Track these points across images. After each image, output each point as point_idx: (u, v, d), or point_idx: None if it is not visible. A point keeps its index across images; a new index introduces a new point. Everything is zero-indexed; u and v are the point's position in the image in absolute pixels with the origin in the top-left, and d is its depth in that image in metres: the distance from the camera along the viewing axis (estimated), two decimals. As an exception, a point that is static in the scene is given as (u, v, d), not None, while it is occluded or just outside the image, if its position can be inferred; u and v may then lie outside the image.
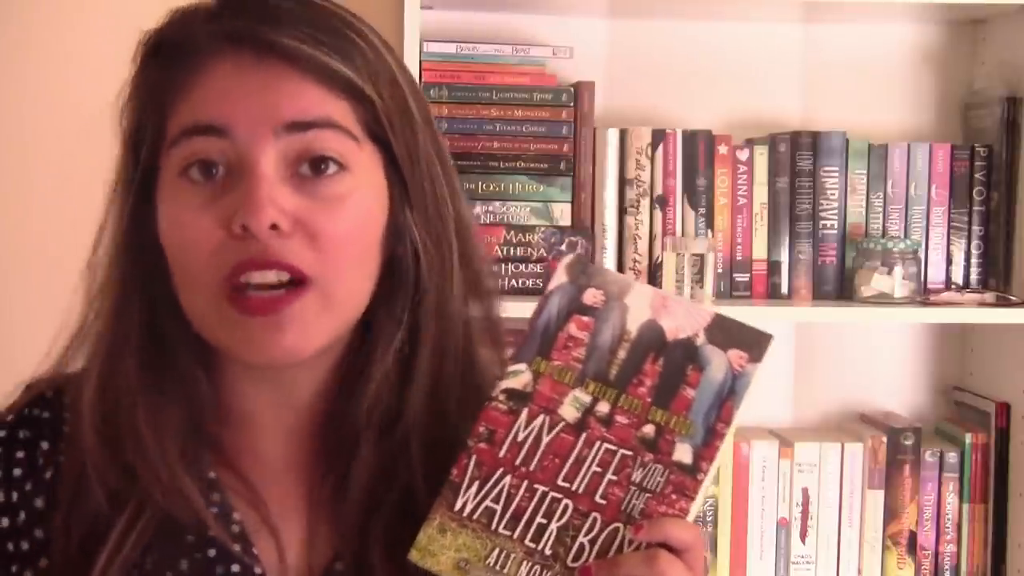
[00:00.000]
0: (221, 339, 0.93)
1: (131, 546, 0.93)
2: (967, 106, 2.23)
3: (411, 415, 0.97)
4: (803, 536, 2.09)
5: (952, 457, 2.11)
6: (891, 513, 2.09)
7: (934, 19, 2.23)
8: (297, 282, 0.91)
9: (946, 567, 2.12)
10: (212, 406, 0.98)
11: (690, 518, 0.90)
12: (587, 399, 0.93)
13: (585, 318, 0.95)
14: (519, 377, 0.94)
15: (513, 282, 1.99)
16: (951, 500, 2.11)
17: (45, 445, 0.99)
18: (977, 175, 2.12)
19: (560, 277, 0.96)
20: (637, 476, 0.91)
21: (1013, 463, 2.12)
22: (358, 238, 0.93)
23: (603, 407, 0.92)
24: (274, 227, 0.89)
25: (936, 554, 2.11)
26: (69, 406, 0.99)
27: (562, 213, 2.04)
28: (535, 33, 2.14)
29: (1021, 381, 2.11)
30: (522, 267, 2.00)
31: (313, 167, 0.92)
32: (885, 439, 2.09)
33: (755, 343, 0.92)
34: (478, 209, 2.01)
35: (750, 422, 2.16)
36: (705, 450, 0.90)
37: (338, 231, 0.92)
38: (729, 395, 0.91)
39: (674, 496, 0.90)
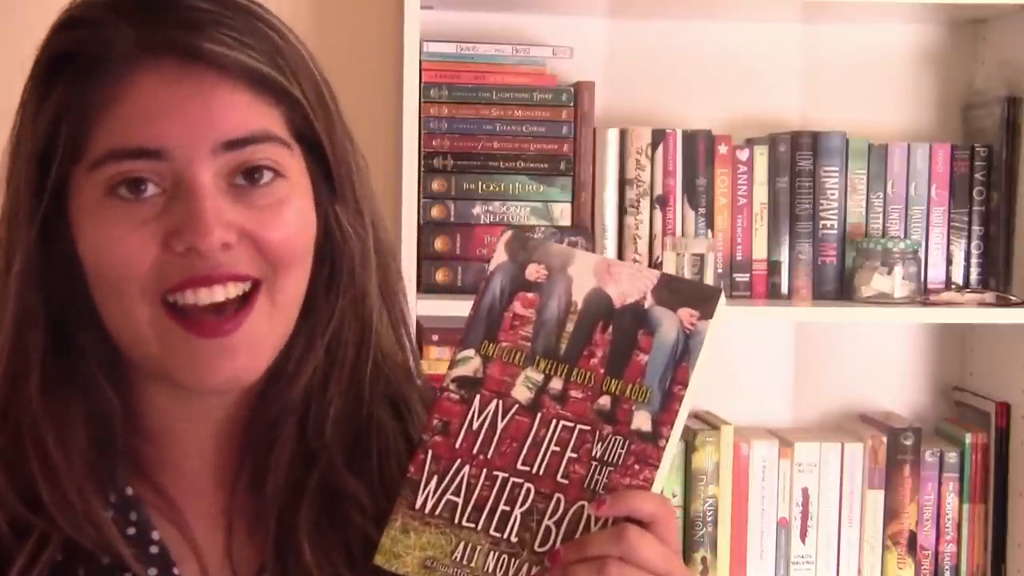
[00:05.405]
0: (159, 359, 0.90)
1: None
2: (967, 106, 2.23)
3: (331, 406, 0.96)
4: (803, 536, 2.08)
5: (952, 457, 2.11)
6: (891, 513, 2.09)
7: (934, 19, 2.22)
8: (243, 296, 0.89)
9: (946, 567, 2.11)
10: (125, 421, 0.94)
11: (656, 487, 0.87)
12: (539, 377, 0.90)
13: (530, 295, 0.91)
14: (468, 364, 0.91)
15: (513, 282, 1.99)
16: (951, 500, 2.11)
17: None
18: (977, 175, 2.12)
19: (500, 256, 0.92)
20: (597, 451, 0.88)
21: (1013, 463, 2.12)
22: (300, 241, 0.92)
23: (556, 384, 0.89)
24: (224, 245, 0.88)
25: (936, 554, 2.11)
26: None
27: (562, 213, 2.04)
28: (535, 33, 2.14)
29: (1021, 381, 2.11)
30: (522, 267, 2.00)
31: (247, 176, 0.90)
32: (885, 439, 2.09)
33: (705, 299, 0.89)
34: (478, 209, 2.01)
35: (750, 422, 2.16)
36: (664, 415, 0.87)
37: (280, 237, 0.90)
38: (683, 356, 0.88)
39: (637, 466, 0.87)
